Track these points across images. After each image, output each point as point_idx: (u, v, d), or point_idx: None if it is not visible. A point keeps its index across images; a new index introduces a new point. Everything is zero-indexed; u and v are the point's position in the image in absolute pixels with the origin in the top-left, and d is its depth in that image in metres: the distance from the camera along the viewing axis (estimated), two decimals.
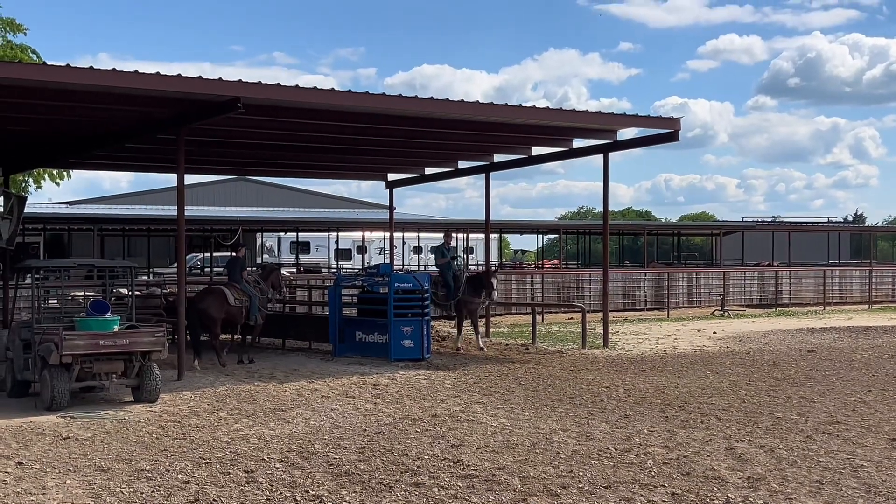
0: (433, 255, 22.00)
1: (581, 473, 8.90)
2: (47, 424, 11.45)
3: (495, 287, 20.11)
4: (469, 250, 46.92)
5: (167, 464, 9.30)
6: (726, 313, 31.00)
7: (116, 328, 13.09)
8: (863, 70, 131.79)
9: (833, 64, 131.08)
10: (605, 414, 12.10)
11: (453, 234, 21.65)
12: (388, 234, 29.34)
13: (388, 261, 29.45)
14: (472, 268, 36.59)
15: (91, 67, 13.60)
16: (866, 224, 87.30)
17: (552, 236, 61.12)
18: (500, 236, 56.72)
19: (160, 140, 17.80)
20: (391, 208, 27.12)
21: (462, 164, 24.58)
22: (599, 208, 22.58)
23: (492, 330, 23.56)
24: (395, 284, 18.30)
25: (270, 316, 21.58)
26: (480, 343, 20.05)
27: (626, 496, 8.16)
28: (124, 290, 18.24)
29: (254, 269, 19.56)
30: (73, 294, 18.91)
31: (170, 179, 43.95)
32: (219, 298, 17.60)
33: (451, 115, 17.68)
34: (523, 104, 18.16)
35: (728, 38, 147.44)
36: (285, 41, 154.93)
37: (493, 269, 20.81)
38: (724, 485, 8.51)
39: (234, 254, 18.92)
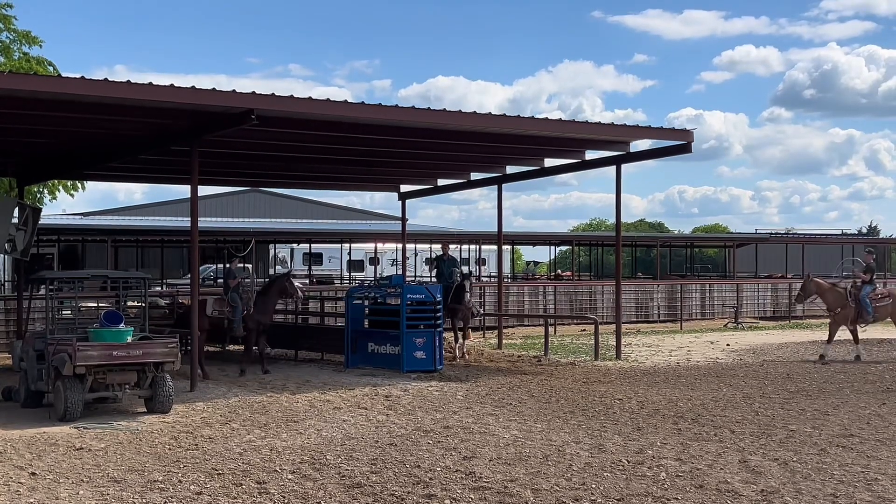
0: (434, 266, 22.12)
1: (594, 486, 8.88)
2: (60, 435, 11.48)
3: (467, 289, 20.02)
4: (481, 262, 46.89)
5: (180, 475, 9.32)
6: (740, 325, 30.90)
7: (130, 339, 13.13)
8: (879, 82, 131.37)
9: (849, 76, 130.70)
10: (617, 426, 12.07)
11: (450, 245, 21.88)
12: (400, 246, 29.37)
13: (400, 272, 29.47)
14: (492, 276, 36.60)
15: (105, 79, 13.68)
16: (880, 236, 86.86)
17: (565, 248, 61.06)
18: (513, 248, 56.72)
19: (174, 152, 17.87)
20: (403, 220, 27.16)
21: (475, 176, 24.60)
22: (612, 220, 22.56)
23: (504, 342, 23.54)
24: (408, 296, 18.32)
25: (283, 326, 21.67)
26: (462, 350, 20.11)
27: None
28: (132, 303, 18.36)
29: (245, 278, 19.47)
30: (85, 305, 19.00)
31: (183, 191, 44.06)
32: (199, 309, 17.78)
33: (464, 127, 17.70)
34: (536, 116, 18.19)
35: (744, 50, 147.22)
36: (301, 53, 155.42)
37: (467, 274, 20.73)
38: (737, 498, 8.48)
39: (227, 265, 19.00)
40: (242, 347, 19.07)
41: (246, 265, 39.76)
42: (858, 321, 20.83)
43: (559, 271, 53.71)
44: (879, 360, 20.34)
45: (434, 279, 21.86)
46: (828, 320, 21.75)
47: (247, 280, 18.57)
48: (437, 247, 43.82)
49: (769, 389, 15.56)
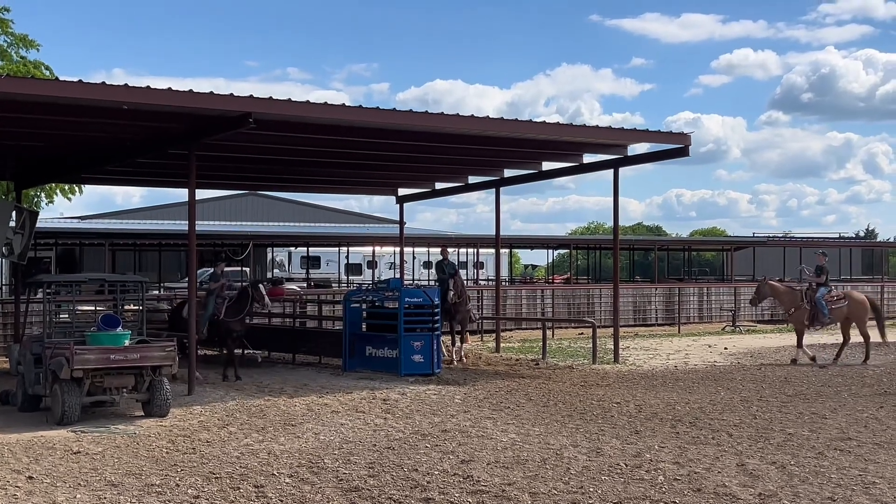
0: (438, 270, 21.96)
1: (591, 489, 8.87)
2: (58, 439, 11.47)
3: (450, 287, 19.95)
4: (479, 265, 46.89)
5: (177, 479, 9.31)
6: (737, 329, 30.91)
7: (127, 342, 13.12)
8: (876, 85, 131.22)
9: (847, 79, 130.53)
10: (615, 429, 12.07)
11: (449, 249, 21.84)
12: (398, 249, 29.37)
13: (398, 275, 29.46)
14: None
15: (103, 83, 13.68)
16: (878, 239, 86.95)
17: (563, 251, 61.06)
18: (511, 251, 56.71)
19: (172, 155, 17.88)
20: (401, 223, 27.16)
21: (472, 179, 24.62)
22: (610, 223, 22.60)
23: (502, 345, 23.54)
24: (406, 299, 18.31)
25: (281, 330, 21.70)
26: (460, 354, 20.14)
27: None
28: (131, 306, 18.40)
29: (232, 281, 19.38)
30: (82, 308, 19.00)
31: (181, 194, 44.05)
32: (177, 311, 17.95)
33: (461, 131, 17.73)
34: (534, 119, 18.20)
35: (742, 53, 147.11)
36: (299, 57, 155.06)
37: (452, 273, 20.62)
38: (735, 501, 8.48)
39: (214, 269, 19.07)
40: (239, 351, 19.08)
41: (243, 268, 39.80)
42: (814, 323, 20.90)
43: (569, 274, 53.56)
44: (876, 363, 20.35)
45: (437, 283, 21.81)
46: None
47: (234, 283, 18.44)
48: (434, 250, 43.94)
49: (767, 393, 15.57)
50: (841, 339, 21.22)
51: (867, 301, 21.21)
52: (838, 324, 21.33)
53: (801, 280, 22.74)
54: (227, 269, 20.90)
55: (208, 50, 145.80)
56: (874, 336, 21.13)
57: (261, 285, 18.12)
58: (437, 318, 18.45)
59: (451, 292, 19.84)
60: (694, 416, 13.06)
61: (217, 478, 9.36)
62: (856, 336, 21.08)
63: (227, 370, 17.39)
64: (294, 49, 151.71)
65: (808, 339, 21.24)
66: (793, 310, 20.98)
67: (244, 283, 18.37)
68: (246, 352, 18.68)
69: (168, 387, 13.16)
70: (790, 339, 26.78)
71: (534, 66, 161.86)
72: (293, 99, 15.10)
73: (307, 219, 55.96)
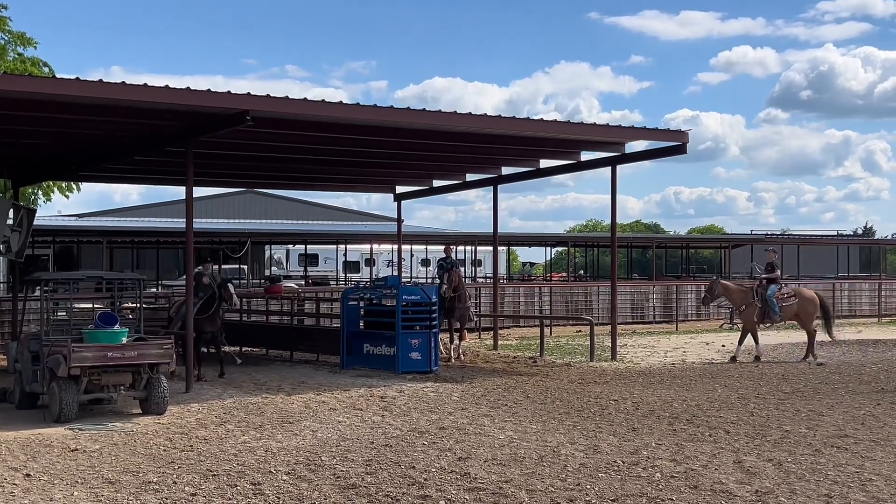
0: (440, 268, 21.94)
1: (588, 487, 8.89)
2: (55, 436, 11.48)
3: (444, 282, 19.93)
4: (477, 262, 46.91)
5: (174, 476, 9.32)
6: (735, 326, 30.89)
7: (125, 340, 13.13)
8: (875, 83, 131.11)
9: (845, 77, 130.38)
10: (612, 427, 12.08)
11: (452, 247, 21.98)
12: (396, 247, 29.39)
13: (396, 273, 29.48)
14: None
15: (100, 81, 13.68)
16: (876, 237, 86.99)
17: (560, 249, 61.06)
18: (509, 249, 56.74)
19: (169, 153, 17.87)
20: (399, 221, 27.18)
21: (470, 177, 24.62)
22: (608, 221, 22.61)
23: (500, 342, 23.54)
24: (403, 297, 18.32)
25: (279, 327, 21.73)
26: (458, 351, 20.19)
27: None
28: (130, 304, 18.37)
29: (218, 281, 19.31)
30: (80, 306, 19.01)
31: (179, 192, 44.10)
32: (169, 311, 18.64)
33: (459, 128, 17.72)
34: (531, 117, 18.20)
35: (741, 51, 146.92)
36: (298, 54, 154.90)
37: (448, 267, 20.55)
38: (732, 498, 8.49)
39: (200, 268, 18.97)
40: (239, 349, 19.11)
41: (241, 266, 39.82)
42: (765, 320, 20.95)
43: (581, 272, 53.51)
44: (874, 360, 20.37)
45: (433, 280, 21.87)
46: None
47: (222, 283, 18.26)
48: (432, 247, 43.97)
49: (764, 390, 15.59)
50: (836, 336, 21.24)
51: (817, 298, 21.24)
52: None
53: (752, 277, 22.79)
54: (225, 266, 20.85)
55: (206, 48, 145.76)
56: (821, 335, 21.07)
57: (229, 284, 17.97)
58: (434, 315, 18.46)
59: (445, 286, 19.84)
60: (691, 414, 13.07)
61: (214, 475, 9.37)
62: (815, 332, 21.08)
63: (223, 368, 17.40)
64: (292, 47, 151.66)
65: (803, 337, 21.22)
66: (744, 307, 21.01)
67: (216, 282, 18.09)
68: (223, 350, 18.27)
69: (165, 384, 13.16)
70: (787, 336, 26.83)
71: (532, 63, 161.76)
72: (290, 96, 15.13)
73: (305, 216, 55.96)
